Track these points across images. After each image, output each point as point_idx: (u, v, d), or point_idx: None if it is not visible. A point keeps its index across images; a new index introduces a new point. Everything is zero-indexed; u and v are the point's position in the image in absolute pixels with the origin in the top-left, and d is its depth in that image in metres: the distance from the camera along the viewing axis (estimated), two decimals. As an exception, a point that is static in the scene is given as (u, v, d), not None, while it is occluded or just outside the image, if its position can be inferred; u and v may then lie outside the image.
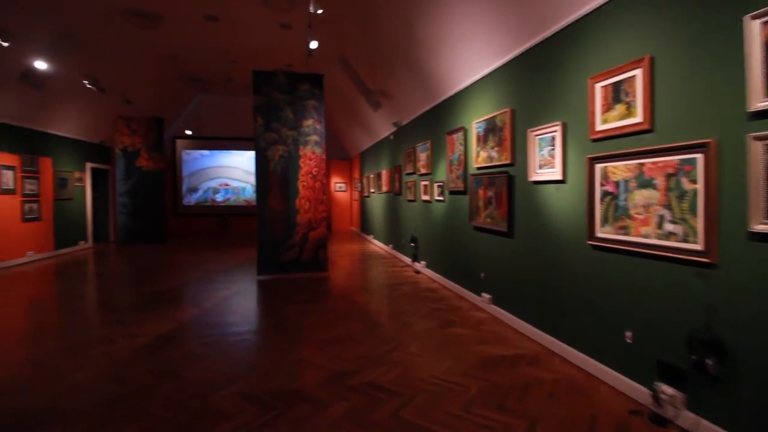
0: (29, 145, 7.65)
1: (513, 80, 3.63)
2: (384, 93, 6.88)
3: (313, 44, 4.99)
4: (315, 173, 6.10)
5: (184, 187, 11.51)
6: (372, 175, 9.93)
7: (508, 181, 3.67)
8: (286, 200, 6.00)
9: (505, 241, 3.76)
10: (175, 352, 3.16)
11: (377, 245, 9.45)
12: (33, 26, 5.82)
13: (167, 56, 8.96)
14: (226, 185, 11.72)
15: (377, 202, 9.54)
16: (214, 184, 11.68)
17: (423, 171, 6.06)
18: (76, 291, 5.35)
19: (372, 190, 10.02)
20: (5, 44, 4.56)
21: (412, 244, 6.53)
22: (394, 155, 7.83)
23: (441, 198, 5.39)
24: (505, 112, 3.68)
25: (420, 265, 6.29)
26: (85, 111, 8.66)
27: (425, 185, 6.00)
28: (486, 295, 4.10)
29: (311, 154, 6.09)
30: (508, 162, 3.67)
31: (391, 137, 7.98)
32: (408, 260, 6.97)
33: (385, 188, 8.56)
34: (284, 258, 6.00)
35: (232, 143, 11.67)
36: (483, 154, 4.13)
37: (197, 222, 11.78)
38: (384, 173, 8.61)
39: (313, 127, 6.09)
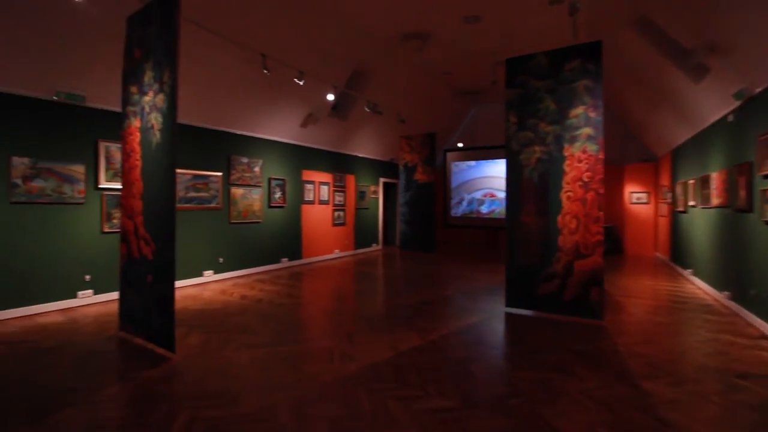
0: (338, 165, 9.61)
1: None
2: (713, 48, 4.26)
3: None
4: (587, 180, 4.40)
5: (453, 199, 11.77)
6: (691, 181, 6.75)
7: None
8: (545, 216, 4.62)
9: None
10: (367, 402, 2.59)
11: (699, 287, 6.28)
12: (334, 67, 7.09)
13: (441, 74, 9.29)
14: (491, 195, 11.13)
15: (701, 222, 6.36)
16: (478, 195, 11.36)
17: (811, 168, 3.22)
18: (348, 290, 5.98)
19: (691, 203, 6.82)
20: (300, 83, 5.57)
21: (777, 300, 3.65)
22: (737, 147, 4.82)
23: None
24: None
25: (797, 344, 3.39)
26: (378, 134, 10.16)
27: (817, 195, 3.15)
28: None
29: (581, 153, 4.44)
30: None
31: (730, 118, 4.98)
32: (766, 326, 4.01)
33: (716, 200, 5.49)
34: (539, 291, 4.63)
35: (497, 152, 10.96)
36: None
37: (464, 234, 11.82)
38: (715, 177, 5.55)
39: (584, 116, 4.43)
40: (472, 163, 11.53)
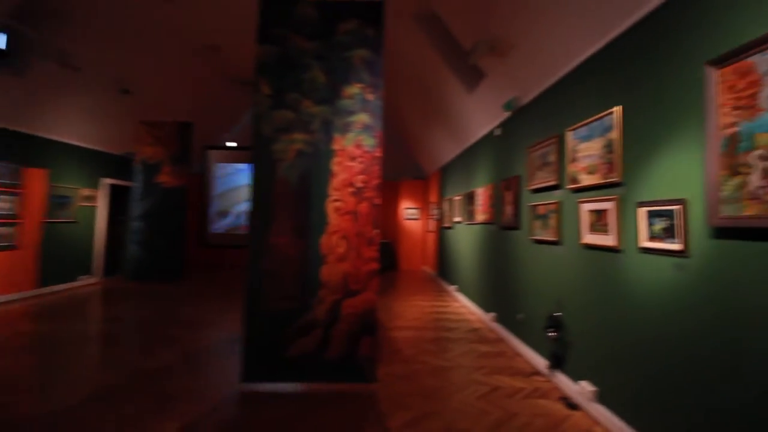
0: (8, 151, 5.87)
1: None
2: (493, 47, 3.82)
3: None
4: (361, 186, 3.16)
5: (213, 210, 9.33)
6: (457, 198, 6.79)
7: None
8: (304, 236, 3.10)
9: None
10: None
11: (464, 304, 6.15)
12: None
13: (204, 47, 6.98)
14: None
15: (466, 238, 6.33)
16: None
17: (588, 181, 2.80)
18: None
19: (457, 219, 6.85)
20: None
21: (551, 333, 3.18)
22: (503, 161, 4.64)
23: (667, 245, 2.07)
24: None
25: (577, 388, 2.90)
26: (99, 112, 6.89)
27: (596, 211, 2.71)
28: None
29: (354, 148, 3.18)
30: None
31: (497, 132, 4.83)
32: (535, 358, 3.60)
33: (481, 216, 5.35)
34: (292, 351, 3.04)
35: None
36: None
37: (228, 255, 9.46)
38: (480, 193, 5.42)
39: (360, 98, 3.22)
40: (243, 166, 9.43)
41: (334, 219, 3.09)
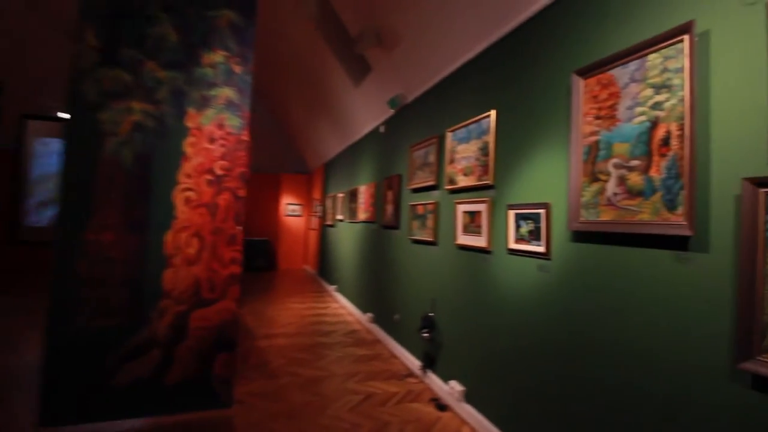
0: None
1: None
2: (379, 38, 3.66)
3: None
4: (221, 173, 2.64)
5: (34, 198, 7.30)
6: (341, 195, 6.56)
7: None
8: (140, 232, 2.45)
9: None
10: None
11: (343, 305, 5.95)
12: None
13: None
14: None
15: (348, 236, 6.13)
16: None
17: (464, 183, 2.80)
18: None
19: (339, 217, 6.62)
20: None
21: (425, 334, 3.15)
22: (386, 159, 4.55)
23: (532, 247, 2.12)
24: None
25: (447, 388, 2.89)
26: None
27: (471, 213, 2.73)
28: None
29: (215, 128, 2.65)
30: None
31: (382, 129, 4.72)
32: (410, 359, 3.55)
33: (363, 215, 5.20)
34: (120, 376, 2.37)
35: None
36: None
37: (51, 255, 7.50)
38: (363, 191, 5.27)
39: (225, 69, 2.69)
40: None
41: (183, 212, 2.51)
